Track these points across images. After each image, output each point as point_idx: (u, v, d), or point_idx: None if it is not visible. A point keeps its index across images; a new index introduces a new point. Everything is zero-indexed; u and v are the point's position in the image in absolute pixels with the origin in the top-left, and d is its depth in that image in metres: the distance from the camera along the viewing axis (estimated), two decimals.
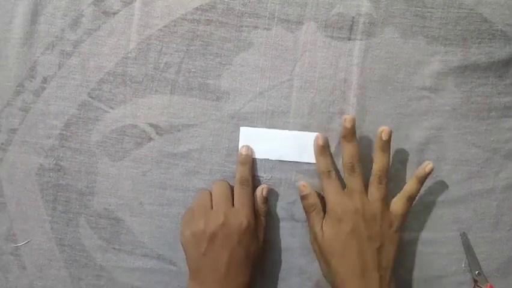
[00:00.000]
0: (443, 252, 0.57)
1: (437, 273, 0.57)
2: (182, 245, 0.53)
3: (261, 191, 0.56)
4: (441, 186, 0.57)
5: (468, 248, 0.56)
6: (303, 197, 0.55)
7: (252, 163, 0.57)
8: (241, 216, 0.52)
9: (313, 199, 0.54)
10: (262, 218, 0.56)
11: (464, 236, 0.57)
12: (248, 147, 0.57)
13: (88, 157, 0.58)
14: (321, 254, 0.53)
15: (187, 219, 0.54)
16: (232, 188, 0.56)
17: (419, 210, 0.57)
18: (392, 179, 0.57)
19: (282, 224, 0.58)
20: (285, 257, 0.58)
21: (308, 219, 0.55)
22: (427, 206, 0.57)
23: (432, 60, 0.56)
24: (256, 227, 0.54)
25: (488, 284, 0.56)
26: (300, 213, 0.57)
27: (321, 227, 0.53)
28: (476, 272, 0.56)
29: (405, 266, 0.57)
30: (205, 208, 0.53)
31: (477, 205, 0.57)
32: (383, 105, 0.57)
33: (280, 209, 0.58)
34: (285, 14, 0.57)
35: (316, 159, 0.56)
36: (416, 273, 0.57)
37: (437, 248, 0.57)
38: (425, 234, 0.57)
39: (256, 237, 0.54)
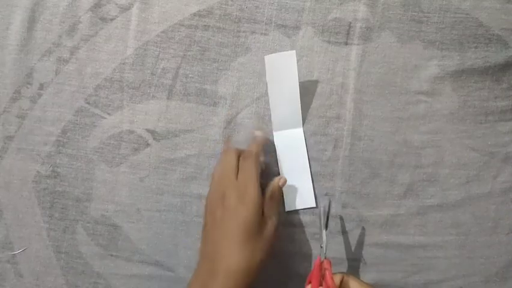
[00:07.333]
0: (442, 257, 0.57)
1: (436, 278, 0.57)
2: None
3: (278, 180, 0.54)
4: (439, 190, 0.57)
5: (325, 212, 0.53)
6: None
7: (263, 144, 0.56)
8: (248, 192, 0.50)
9: None
10: (275, 205, 0.53)
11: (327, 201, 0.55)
12: (263, 131, 0.56)
13: (85, 163, 0.58)
14: None
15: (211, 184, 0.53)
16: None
17: (417, 214, 0.57)
18: (390, 184, 0.57)
19: (280, 230, 0.57)
20: (284, 262, 0.57)
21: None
22: (425, 210, 0.57)
23: (429, 65, 0.57)
24: (268, 207, 0.52)
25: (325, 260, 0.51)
26: (298, 218, 0.57)
27: None
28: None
29: (404, 270, 0.57)
30: (225, 177, 0.52)
31: (475, 209, 0.57)
32: (380, 109, 0.57)
33: (279, 215, 0.57)
34: (282, 19, 0.57)
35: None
36: (415, 278, 0.57)
37: (435, 252, 0.57)
38: (423, 239, 0.57)
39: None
